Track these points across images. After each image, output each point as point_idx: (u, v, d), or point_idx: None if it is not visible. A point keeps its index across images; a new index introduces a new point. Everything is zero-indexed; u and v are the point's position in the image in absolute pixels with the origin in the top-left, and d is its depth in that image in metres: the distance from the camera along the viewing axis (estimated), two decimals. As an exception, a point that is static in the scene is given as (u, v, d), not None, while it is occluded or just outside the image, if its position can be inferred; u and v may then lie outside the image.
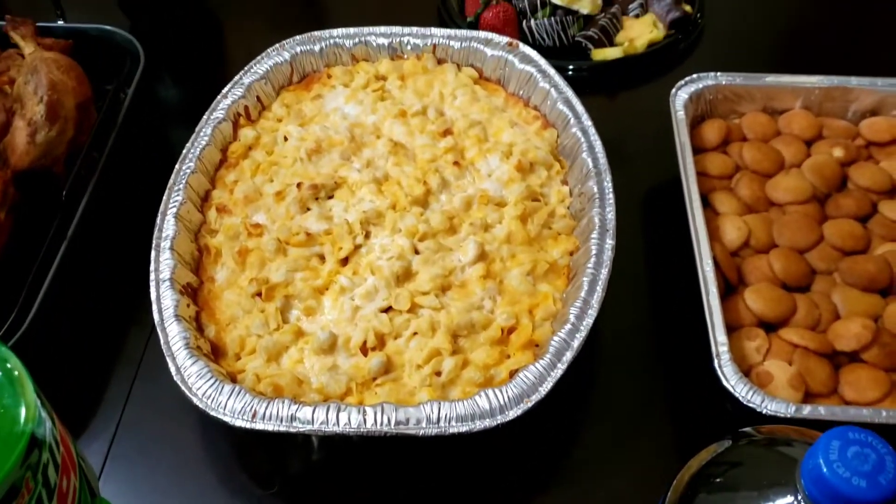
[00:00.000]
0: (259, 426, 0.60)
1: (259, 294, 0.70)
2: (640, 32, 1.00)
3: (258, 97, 0.86)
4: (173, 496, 0.66)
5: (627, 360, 0.74)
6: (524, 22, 1.01)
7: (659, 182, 0.88)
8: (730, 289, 0.73)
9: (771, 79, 0.87)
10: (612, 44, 1.00)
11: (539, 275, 0.72)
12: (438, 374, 0.65)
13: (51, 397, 0.47)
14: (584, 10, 1.01)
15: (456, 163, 0.79)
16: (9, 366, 0.43)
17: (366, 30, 0.91)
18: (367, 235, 0.74)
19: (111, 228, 0.82)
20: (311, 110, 0.86)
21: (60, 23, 0.92)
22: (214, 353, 0.67)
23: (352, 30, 0.90)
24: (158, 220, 0.72)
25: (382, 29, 0.90)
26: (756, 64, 1.01)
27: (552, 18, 1.00)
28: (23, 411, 0.42)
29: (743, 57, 1.03)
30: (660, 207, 0.86)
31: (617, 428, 0.70)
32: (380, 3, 1.13)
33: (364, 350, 0.67)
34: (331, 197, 0.77)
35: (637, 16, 1.03)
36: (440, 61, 0.90)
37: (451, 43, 0.89)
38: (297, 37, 0.89)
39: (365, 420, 0.60)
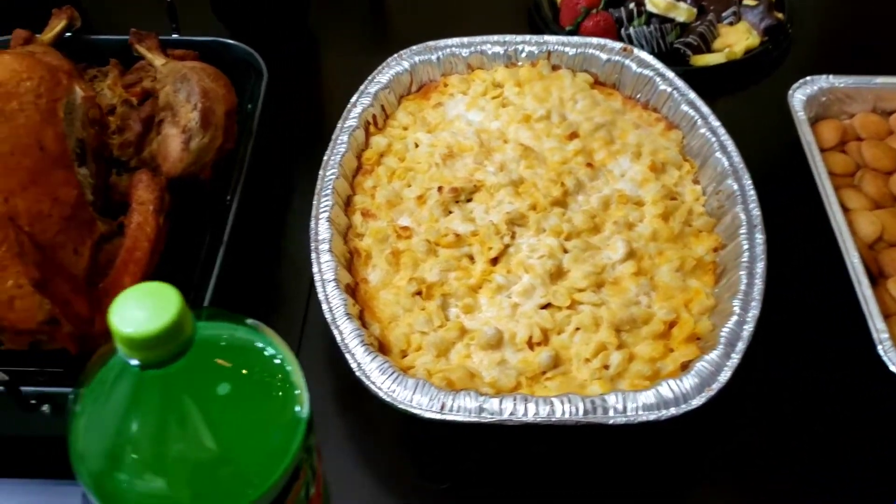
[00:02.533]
0: (449, 417, 0.61)
1: (418, 293, 0.71)
2: (737, 39, 1.02)
3: (382, 106, 0.87)
4: (344, 497, 0.67)
5: (782, 352, 0.75)
6: (622, 30, 1.03)
7: (774, 181, 0.90)
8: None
9: (882, 80, 0.89)
10: (709, 50, 1.02)
11: (687, 271, 0.73)
12: (606, 367, 0.66)
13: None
14: (681, 18, 1.03)
15: (589, 164, 0.80)
16: (281, 351, 0.44)
17: (478, 39, 0.93)
18: (513, 236, 0.75)
19: (259, 233, 0.83)
20: (434, 118, 0.87)
21: (175, 36, 0.93)
22: (380, 351, 0.68)
23: (466, 39, 0.92)
24: (312, 224, 0.74)
25: (496, 37, 0.92)
26: (845, 67, 1.04)
27: (651, 26, 1.02)
28: (299, 395, 0.44)
29: (833, 60, 1.05)
30: (778, 206, 0.88)
31: (781, 417, 0.71)
32: (468, 13, 1.15)
33: (530, 345, 0.68)
34: (469, 200, 0.79)
35: (731, 23, 1.05)
36: (554, 68, 0.92)
37: (566, 49, 0.91)
38: (414, 47, 0.91)
39: (553, 410, 0.61)
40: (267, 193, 0.86)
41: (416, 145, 0.84)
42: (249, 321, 0.45)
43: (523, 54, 0.92)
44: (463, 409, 0.61)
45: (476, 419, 0.61)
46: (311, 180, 0.77)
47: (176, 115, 0.74)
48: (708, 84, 1.01)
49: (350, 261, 0.75)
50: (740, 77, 1.02)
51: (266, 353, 0.44)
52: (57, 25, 0.89)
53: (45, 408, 0.64)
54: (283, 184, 0.89)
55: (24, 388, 0.62)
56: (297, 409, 0.43)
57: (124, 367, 0.40)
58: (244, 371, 0.42)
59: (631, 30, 1.03)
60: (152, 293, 0.38)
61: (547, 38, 0.92)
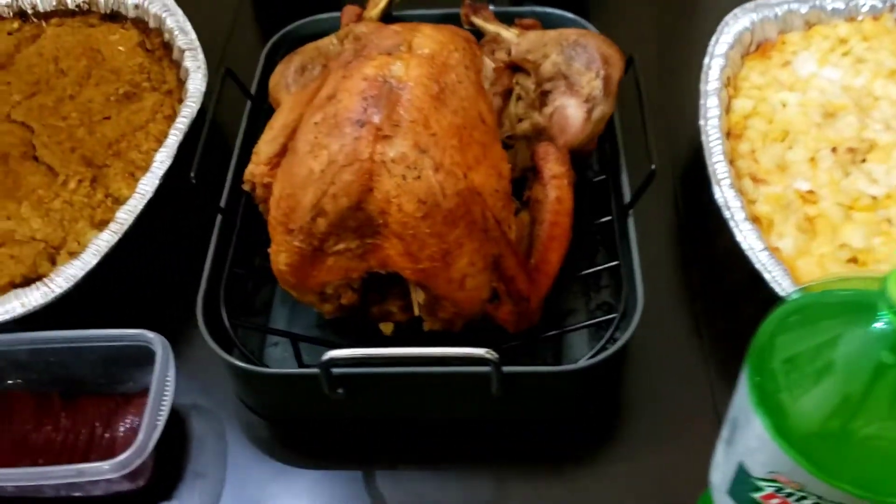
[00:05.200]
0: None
1: (851, 261, 0.68)
2: None
3: (729, 66, 0.83)
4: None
5: None
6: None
7: None
8: None
9: None
10: None
11: None
12: None
13: None
14: None
15: (985, 119, 0.76)
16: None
17: (814, -7, 0.88)
18: (930, 197, 0.71)
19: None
20: (786, 77, 0.83)
21: (492, 7, 0.89)
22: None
23: (801, -6, 0.88)
24: (717, 192, 0.71)
25: (836, -9, 0.88)
26: None
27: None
28: None
29: None
30: None
31: None
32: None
33: None
34: (863, 160, 0.75)
35: None
36: (898, 21, 0.87)
37: (914, 1, 0.86)
38: (748, 4, 0.87)
39: None
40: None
41: (783, 105, 0.80)
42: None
43: (865, 8, 0.87)
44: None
45: None
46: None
47: (573, 84, 0.71)
48: None
49: (752, 229, 0.71)
50: None
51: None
52: (381, 2, 0.86)
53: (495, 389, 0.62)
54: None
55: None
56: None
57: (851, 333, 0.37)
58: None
59: (947, -22, 0.97)
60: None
61: (890, -11, 0.87)
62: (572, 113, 0.71)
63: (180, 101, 0.86)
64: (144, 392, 0.66)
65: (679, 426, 0.67)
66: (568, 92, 0.72)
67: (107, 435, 0.64)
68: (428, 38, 0.65)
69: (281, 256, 0.64)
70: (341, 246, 0.63)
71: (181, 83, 0.88)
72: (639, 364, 0.69)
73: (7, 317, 0.66)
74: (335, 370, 0.60)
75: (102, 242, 0.71)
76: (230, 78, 0.77)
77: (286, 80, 0.76)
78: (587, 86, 0.71)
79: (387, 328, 0.69)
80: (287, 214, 0.63)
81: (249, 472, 0.66)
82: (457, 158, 0.61)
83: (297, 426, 0.69)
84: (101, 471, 0.57)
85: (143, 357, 0.67)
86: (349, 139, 0.61)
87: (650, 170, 0.67)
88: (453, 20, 0.86)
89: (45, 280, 0.69)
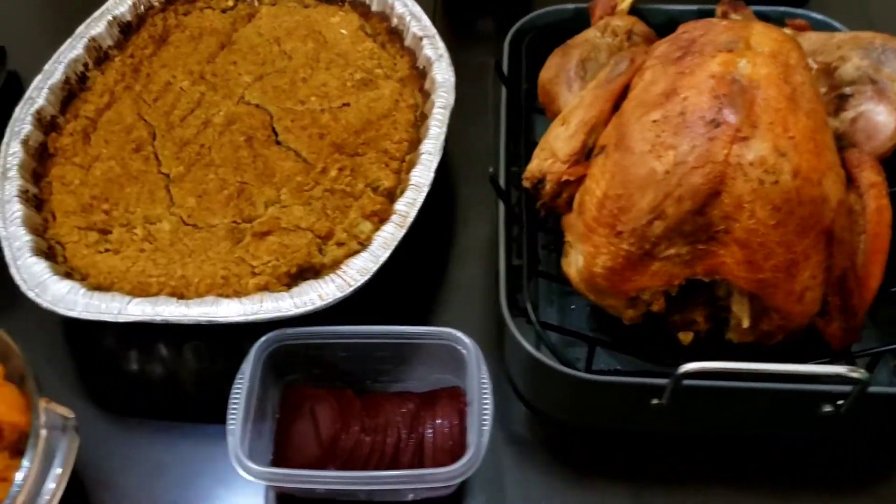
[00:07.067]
0: None
1: None
2: None
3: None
4: None
5: None
6: None
7: None
8: None
9: None
10: None
11: None
12: None
13: None
14: None
15: None
16: None
17: None
18: None
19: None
20: None
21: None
22: None
23: None
24: None
25: None
26: None
27: None
28: None
29: None
30: None
31: None
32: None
33: None
34: None
35: None
36: None
37: None
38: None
39: None
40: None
41: None
42: None
43: None
44: None
45: None
46: None
47: (884, 90, 0.68)
48: None
49: None
50: None
51: None
52: (631, -6, 0.83)
53: (828, 407, 0.59)
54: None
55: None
56: None
57: None
58: None
59: None
60: None
61: None
62: (883, 120, 0.68)
63: (421, 89, 0.83)
64: (443, 392, 0.64)
65: None
66: (876, 97, 0.69)
67: (413, 437, 0.61)
68: (765, 37, 0.62)
69: (600, 259, 0.61)
70: (671, 251, 0.60)
71: (416, 71, 0.85)
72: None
73: (307, 309, 0.63)
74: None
75: (388, 235, 0.68)
76: (495, 70, 0.74)
77: (567, 75, 0.73)
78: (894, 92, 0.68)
79: (686, 337, 0.66)
80: (616, 216, 0.60)
81: (542, 480, 0.64)
82: (813, 163, 0.58)
83: (592, 434, 0.66)
84: (444, 476, 0.55)
85: (429, 354, 0.64)
86: (702, 139, 0.57)
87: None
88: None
89: (337, 272, 0.66)
